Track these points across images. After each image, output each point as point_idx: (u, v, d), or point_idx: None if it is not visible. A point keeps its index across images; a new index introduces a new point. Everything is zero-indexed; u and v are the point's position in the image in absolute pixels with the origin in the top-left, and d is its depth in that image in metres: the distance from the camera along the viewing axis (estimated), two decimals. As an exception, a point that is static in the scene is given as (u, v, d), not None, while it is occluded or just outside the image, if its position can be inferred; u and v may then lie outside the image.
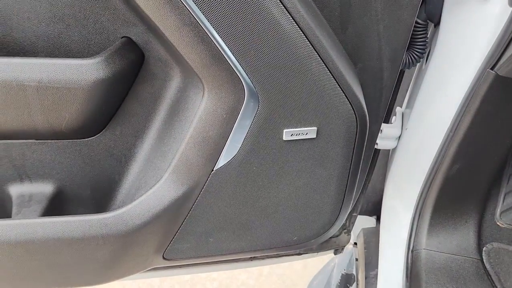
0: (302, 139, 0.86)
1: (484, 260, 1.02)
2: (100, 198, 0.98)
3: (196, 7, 0.68)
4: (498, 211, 1.10)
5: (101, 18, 0.79)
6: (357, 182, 1.00)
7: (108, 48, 0.80)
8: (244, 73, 0.75)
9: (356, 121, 0.86)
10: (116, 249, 0.89)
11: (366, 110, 0.87)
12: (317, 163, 0.90)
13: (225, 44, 0.71)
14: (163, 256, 0.99)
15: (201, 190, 0.89)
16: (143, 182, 0.93)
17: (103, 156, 0.93)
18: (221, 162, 0.85)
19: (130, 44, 0.82)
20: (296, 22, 0.72)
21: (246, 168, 0.87)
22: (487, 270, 1.00)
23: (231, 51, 0.72)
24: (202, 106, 0.80)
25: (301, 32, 0.73)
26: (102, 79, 0.78)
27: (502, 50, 0.77)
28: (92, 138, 0.91)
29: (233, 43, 0.72)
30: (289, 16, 0.71)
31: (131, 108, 0.89)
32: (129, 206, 0.87)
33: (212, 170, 0.86)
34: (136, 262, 0.97)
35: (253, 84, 0.76)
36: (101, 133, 0.91)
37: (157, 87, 0.87)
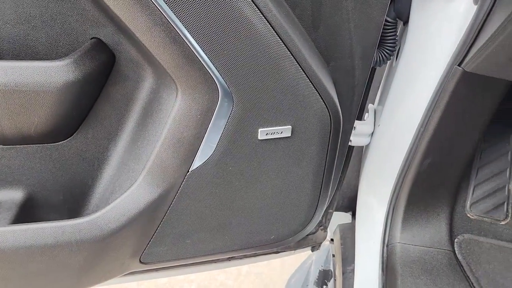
0: (277, 138, 0.86)
1: (456, 251, 1.05)
2: (73, 203, 0.95)
3: (167, 7, 0.67)
4: (468, 203, 1.13)
5: (69, 19, 0.78)
6: (332, 179, 1.02)
7: (78, 50, 0.78)
8: (218, 73, 0.75)
9: (330, 118, 0.87)
10: (91, 255, 0.88)
11: (339, 108, 0.88)
12: (293, 161, 0.91)
13: (198, 44, 0.71)
14: (139, 260, 0.98)
15: (177, 192, 0.88)
16: (117, 185, 0.92)
17: (75, 160, 0.91)
18: (197, 163, 0.85)
19: (100, 45, 0.80)
20: (268, 22, 0.72)
21: (222, 168, 0.87)
22: (459, 261, 1.02)
23: (203, 51, 0.72)
24: (176, 107, 0.79)
25: (274, 32, 0.73)
26: (72, 81, 0.77)
27: (468, 46, 0.79)
28: (63, 142, 0.88)
29: (206, 43, 0.71)
30: (261, 15, 0.71)
31: (103, 110, 0.88)
32: (104, 210, 0.85)
33: (188, 171, 0.86)
34: (112, 267, 0.96)
35: (227, 84, 0.76)
36: (72, 136, 0.89)
37: (129, 88, 0.86)
